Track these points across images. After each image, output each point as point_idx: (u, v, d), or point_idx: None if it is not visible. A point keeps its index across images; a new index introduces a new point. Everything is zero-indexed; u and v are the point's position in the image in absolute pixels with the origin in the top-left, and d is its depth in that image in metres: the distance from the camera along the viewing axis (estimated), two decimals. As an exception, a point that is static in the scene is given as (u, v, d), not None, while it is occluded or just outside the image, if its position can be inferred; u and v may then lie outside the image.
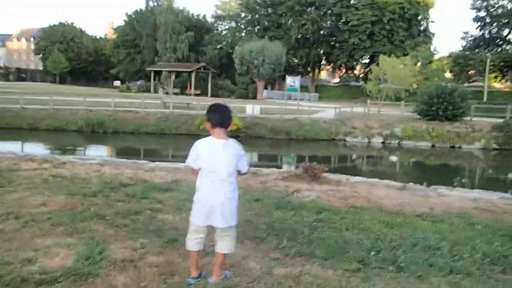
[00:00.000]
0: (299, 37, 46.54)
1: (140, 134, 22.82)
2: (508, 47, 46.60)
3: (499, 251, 4.19)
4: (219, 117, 3.21)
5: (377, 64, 30.94)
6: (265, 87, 44.98)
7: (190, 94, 40.38)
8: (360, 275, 3.56)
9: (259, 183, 7.06)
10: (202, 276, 3.33)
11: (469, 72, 46.44)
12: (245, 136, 22.87)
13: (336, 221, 5.03)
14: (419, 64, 33.58)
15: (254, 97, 42.10)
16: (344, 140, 23.42)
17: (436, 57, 44.90)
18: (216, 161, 3.14)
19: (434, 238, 4.50)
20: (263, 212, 5.33)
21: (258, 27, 50.93)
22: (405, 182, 8.03)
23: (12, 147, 14.71)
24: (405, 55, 36.95)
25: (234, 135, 23.16)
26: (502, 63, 43.84)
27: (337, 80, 72.16)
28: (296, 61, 49.72)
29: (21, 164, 7.68)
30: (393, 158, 21.53)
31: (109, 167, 7.89)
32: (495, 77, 46.73)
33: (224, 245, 3.26)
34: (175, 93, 41.10)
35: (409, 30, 43.95)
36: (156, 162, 8.73)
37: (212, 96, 40.97)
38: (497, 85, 52.27)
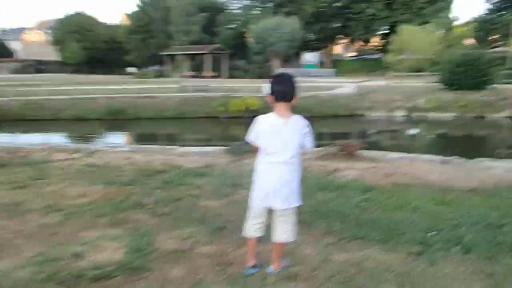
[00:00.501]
0: (314, 11, 45.44)
1: (161, 119, 22.78)
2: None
3: None
4: (282, 90, 2.93)
5: (397, 34, 30.01)
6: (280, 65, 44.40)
7: (207, 77, 40.09)
8: (424, 258, 3.36)
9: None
10: (258, 266, 3.17)
11: (493, 37, 44.92)
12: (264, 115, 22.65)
13: (383, 201, 4.81)
14: (440, 31, 32.39)
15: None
16: (364, 114, 22.96)
17: (457, 23, 43.45)
18: (277, 143, 2.93)
19: (493, 215, 4.25)
20: (305, 194, 5.10)
21: (271, 3, 49.92)
22: (439, 155, 7.77)
23: (39, 138, 14.80)
24: (425, 23, 35.80)
25: (253, 115, 23.03)
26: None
27: (352, 54, 70.82)
28: (311, 36, 48.68)
29: (52, 155, 7.62)
30: (419, 131, 21.03)
31: (140, 154, 7.78)
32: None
33: (282, 233, 3.08)
34: (191, 76, 40.89)
35: (429, -3, 42.48)
36: (186, 147, 8.59)
37: (228, 77, 40.63)
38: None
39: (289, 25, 38.80)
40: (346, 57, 61.18)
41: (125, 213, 4.45)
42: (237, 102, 22.25)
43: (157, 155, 7.67)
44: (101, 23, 64.84)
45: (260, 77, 40.11)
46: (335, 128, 21.05)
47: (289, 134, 2.91)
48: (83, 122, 22.03)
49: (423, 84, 26.74)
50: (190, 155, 7.60)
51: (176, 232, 3.90)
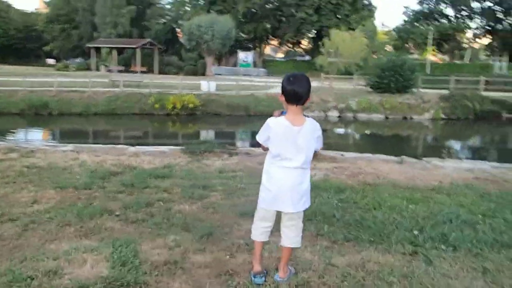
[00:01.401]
0: (246, 11, 45.66)
1: (89, 115, 21.55)
2: (444, 21, 48.56)
3: (533, 223, 4.19)
4: (298, 92, 2.72)
5: (329, 38, 31.05)
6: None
7: (136, 72, 38.66)
8: (420, 258, 3.40)
9: (258, 165, 6.70)
10: (264, 273, 3.00)
11: (409, 46, 48.18)
12: (202, 113, 22.37)
13: (359, 201, 4.85)
14: (366, 38, 34.01)
15: (203, 74, 41.10)
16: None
17: (380, 31, 45.95)
18: (291, 149, 2.79)
19: (463, 213, 4.44)
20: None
21: (203, 0, 49.41)
22: (385, 155, 8.09)
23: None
24: (350, 29, 37.43)
25: (191, 113, 22.66)
26: (439, 36, 45.72)
27: (281, 55, 72.21)
28: (243, 35, 48.88)
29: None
30: (344, 131, 21.95)
31: (87, 154, 7.21)
32: (433, 50, 48.70)
33: (291, 238, 2.94)
34: (119, 71, 39.17)
35: (354, 5, 44.48)
36: (137, 146, 8.12)
37: (159, 73, 39.52)
38: (432, 58, 54.63)
39: (222, 23, 38.59)
40: (277, 57, 62.28)
41: (93, 221, 4.05)
42: (174, 99, 21.69)
43: (106, 155, 7.16)
44: (14, 8, 59.98)
45: (194, 74, 39.58)
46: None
47: (304, 141, 2.78)
48: (1, 117, 20.22)
49: (353, 86, 27.93)
50: (144, 155, 7.18)
51: (159, 241, 3.61)
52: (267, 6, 47.40)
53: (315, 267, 3.17)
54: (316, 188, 5.26)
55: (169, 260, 3.23)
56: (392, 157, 7.45)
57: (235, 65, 47.61)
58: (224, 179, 5.78)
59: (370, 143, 18.75)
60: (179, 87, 24.24)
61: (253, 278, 2.95)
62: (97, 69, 41.76)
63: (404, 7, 68.37)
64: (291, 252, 3.03)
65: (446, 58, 54.37)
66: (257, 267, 2.99)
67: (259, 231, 3.01)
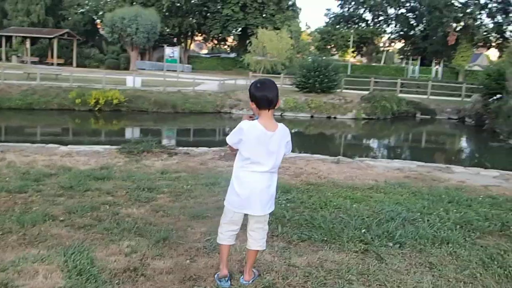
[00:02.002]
0: (171, 5, 44.67)
1: (2, 109, 19.90)
2: (363, 25, 51.31)
3: (463, 218, 4.60)
4: (269, 97, 2.76)
5: (256, 37, 31.42)
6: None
7: (52, 64, 36.31)
8: (371, 255, 3.59)
9: (199, 165, 6.68)
10: (229, 277, 3.01)
11: (331, 47, 50.22)
12: (127, 110, 21.61)
13: (305, 200, 5.00)
14: (291, 38, 34.90)
15: (126, 68, 39.66)
16: (230, 112, 23.57)
17: (304, 32, 47.37)
18: (262, 153, 2.81)
19: (401, 210, 4.76)
20: (229, 197, 5.04)
21: (125, -9, 47.57)
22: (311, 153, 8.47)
23: None
24: (276, 28, 38.20)
25: (115, 109, 21.79)
26: (358, 39, 48.21)
27: (205, 51, 71.69)
28: (168, 30, 47.80)
29: None
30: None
31: (14, 153, 6.68)
32: (353, 51, 51.22)
33: (258, 240, 2.97)
34: (33, 62, 36.59)
35: (279, 4, 45.34)
36: (70, 146, 7.66)
37: (78, 66, 37.43)
38: (351, 59, 57.50)
39: (147, 16, 37.46)
40: (202, 54, 61.72)
41: (36, 227, 3.79)
42: (97, 94, 20.71)
43: (36, 155, 6.69)
44: None
45: (117, 68, 38.00)
46: (201, 125, 21.15)
47: (275, 146, 2.82)
48: None
49: (279, 85, 28.52)
50: (78, 155, 6.81)
51: (113, 247, 3.46)
52: (192, 1, 46.79)
53: (277, 268, 3.24)
54: (263, 188, 5.35)
55: (128, 267, 3.11)
56: (329, 157, 7.77)
57: (159, 60, 46.53)
58: (168, 180, 5.67)
59: (299, 141, 19.29)
60: (103, 81, 23.20)
61: (218, 282, 2.95)
62: (8, 60, 38.59)
63: (326, 9, 71.10)
64: (257, 255, 3.06)
65: (364, 60, 57.49)
66: (224, 271, 2.99)
67: (227, 234, 3.00)
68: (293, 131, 21.98)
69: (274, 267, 3.24)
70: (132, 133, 18.90)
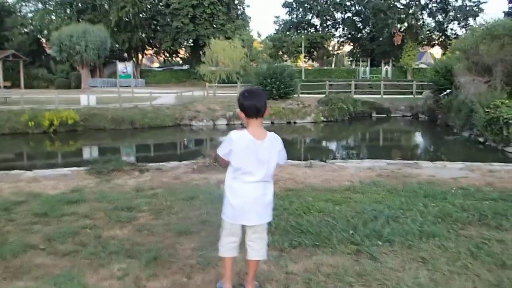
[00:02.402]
0: (118, 20, 43.91)
1: None
2: (312, 30, 52.45)
3: (442, 211, 4.76)
4: (257, 106, 2.78)
5: (209, 47, 31.40)
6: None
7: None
8: (364, 255, 3.64)
9: (174, 179, 6.55)
10: (232, 289, 2.96)
11: (282, 54, 50.99)
12: (84, 129, 20.96)
13: (287, 207, 5.01)
14: (244, 47, 35.14)
15: (78, 86, 38.51)
16: (190, 124, 23.36)
17: (256, 40, 47.81)
18: (253, 163, 2.80)
19: (382, 208, 4.86)
20: (212, 210, 4.96)
21: (70, 9, 46.35)
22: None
23: None
24: (227, 38, 38.38)
25: (71, 129, 21.05)
26: (309, 44, 49.22)
27: (157, 65, 70.81)
28: (117, 46, 46.91)
29: None
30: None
31: (-26, 183, 6.30)
32: (304, 57, 52.20)
33: (257, 250, 2.95)
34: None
35: (229, 14, 45.65)
36: (34, 170, 7.32)
37: (26, 87, 35.90)
38: (302, 64, 58.56)
39: (96, 33, 36.59)
40: (154, 67, 60.92)
41: (18, 259, 3.59)
42: (51, 115, 19.97)
43: (1, 183, 6.33)
44: None
45: (67, 88, 36.86)
46: (162, 139, 20.81)
47: (265, 154, 2.81)
48: None
49: (237, 94, 28.58)
50: (45, 180, 6.51)
51: (104, 272, 3.32)
52: (141, 15, 46.22)
53: (276, 277, 3.22)
54: (244, 198, 5.32)
55: (125, 292, 3.00)
56: (302, 162, 7.84)
57: (110, 76, 45.57)
58: (146, 198, 5.52)
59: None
60: (55, 102, 22.38)
61: None
62: None
63: (275, 17, 72.14)
64: (258, 265, 3.03)
65: (315, 64, 58.68)
66: (228, 285, 2.94)
67: (227, 247, 2.98)
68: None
69: (273, 277, 3.22)
70: (90, 153, 18.25)
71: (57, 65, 41.02)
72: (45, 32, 45.36)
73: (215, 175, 6.76)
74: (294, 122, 24.46)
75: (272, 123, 24.26)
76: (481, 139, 16.68)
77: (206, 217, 4.68)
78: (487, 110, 16.01)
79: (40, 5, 47.13)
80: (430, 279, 3.18)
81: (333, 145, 19.90)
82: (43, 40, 48.01)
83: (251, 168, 2.82)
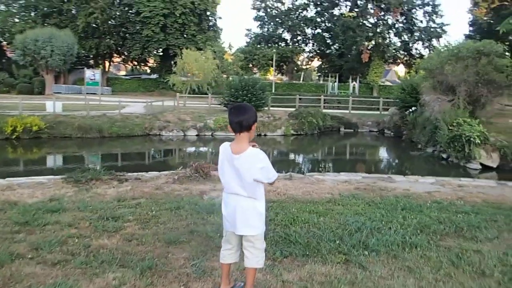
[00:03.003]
0: (86, 26, 43.12)
1: None
2: (283, 44, 53.22)
3: (420, 223, 4.98)
4: (236, 120, 2.88)
5: (181, 57, 31.28)
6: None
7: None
8: (353, 264, 3.76)
9: (155, 189, 6.51)
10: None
11: (253, 66, 51.49)
12: (49, 137, 20.39)
13: (273, 218, 5.10)
14: (215, 58, 35.23)
15: (41, 92, 37.43)
16: (160, 134, 23.14)
17: (228, 52, 48.02)
18: (230, 175, 2.92)
19: (365, 220, 5.03)
20: (198, 220, 5.00)
21: (35, 12, 45.15)
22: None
23: None
24: (198, 49, 38.39)
25: (36, 136, 20.42)
26: (279, 58, 49.89)
27: (123, 72, 69.75)
28: (84, 52, 45.98)
29: None
30: (209, 148, 22.39)
31: None
32: (274, 70, 52.86)
33: (249, 259, 3.02)
34: None
35: (200, 25, 45.67)
36: (7, 178, 7.09)
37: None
38: (272, 78, 59.25)
39: (63, 38, 35.76)
40: (120, 75, 60.00)
41: (6, 268, 3.50)
42: (14, 122, 19.36)
43: (-29, 190, 6.11)
44: None
45: (30, 93, 35.74)
46: (130, 148, 20.49)
47: (241, 169, 2.86)
48: None
49: (208, 105, 28.62)
50: (20, 188, 6.33)
51: (99, 281, 3.30)
52: (110, 22, 45.60)
53: (273, 285, 3.30)
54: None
55: (124, 301, 2.99)
56: (281, 174, 7.96)
57: (75, 83, 44.56)
58: (129, 208, 5.47)
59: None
60: (19, 107, 21.69)
61: None
62: None
63: (247, 30, 72.66)
64: (255, 273, 3.09)
65: (284, 78, 59.49)
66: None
67: (223, 253, 3.11)
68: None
69: (271, 285, 3.29)
70: (57, 160, 17.78)
71: (19, 69, 39.77)
72: (7, 35, 43.94)
73: (196, 185, 6.79)
74: (265, 135, 24.67)
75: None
76: (444, 155, 17.37)
77: (194, 227, 4.71)
78: (450, 127, 16.72)
79: (2, 7, 45.64)
80: (418, 286, 3.34)
81: (306, 158, 20.17)
82: (5, 43, 46.50)
83: (228, 180, 2.95)
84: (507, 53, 22.74)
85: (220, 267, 3.18)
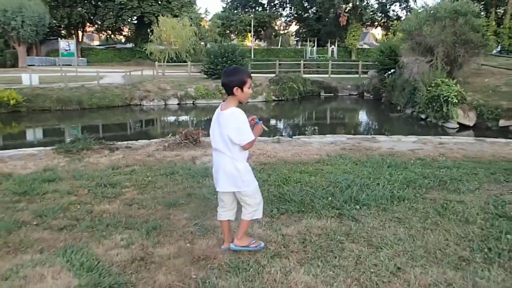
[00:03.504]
0: (57, -6, 41.56)
1: None
2: (260, 9, 52.45)
3: (406, 178, 5.24)
4: (222, 83, 3.08)
5: (157, 25, 30.61)
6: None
7: None
8: (347, 218, 3.99)
9: (147, 157, 6.61)
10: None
11: (230, 32, 50.71)
12: (28, 110, 20.05)
13: (266, 179, 5.28)
14: (193, 25, 34.56)
15: (14, 65, 36.34)
16: (141, 104, 22.95)
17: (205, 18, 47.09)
18: (213, 132, 3.13)
19: (354, 178, 5.26)
20: (194, 184, 5.15)
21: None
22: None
23: None
24: (174, 16, 37.52)
25: (14, 110, 20.01)
26: (257, 23, 49.26)
27: (97, 43, 67.77)
28: (55, 22, 44.42)
29: None
30: (192, 117, 22.38)
31: None
32: (253, 36, 52.22)
33: (242, 211, 3.26)
34: None
35: (175, -9, 44.44)
36: (-4, 151, 7.08)
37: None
38: (250, 44, 58.56)
39: (33, 8, 34.47)
40: (95, 45, 58.38)
41: (14, 234, 3.61)
42: (-10, 95, 18.88)
43: (-38, 164, 6.10)
44: None
45: (2, 66, 34.68)
46: (112, 119, 20.34)
47: (222, 125, 3.04)
48: None
49: (188, 74, 28.34)
50: (11, 160, 6.35)
51: (108, 242, 3.44)
52: (82, -10, 43.98)
53: (274, 239, 3.49)
54: (223, 172, 5.54)
55: (134, 258, 3.16)
56: (268, 138, 8.13)
57: (48, 54, 43.26)
58: (124, 175, 5.58)
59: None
60: (-9, 80, 21.17)
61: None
62: None
63: (222, -6, 70.99)
64: (245, 224, 3.27)
65: (262, 44, 58.87)
66: (225, 243, 3.33)
67: (218, 211, 3.35)
68: (207, 117, 22.13)
69: (272, 239, 3.49)
70: (38, 134, 17.58)
71: (-10, 41, 38.41)
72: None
73: (187, 151, 6.91)
74: (247, 102, 24.67)
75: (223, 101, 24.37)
76: (423, 116, 17.80)
77: (191, 191, 4.86)
78: (428, 88, 17.07)
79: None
80: (408, 235, 3.59)
81: (290, 123, 20.39)
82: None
83: (213, 136, 3.14)
84: (482, 13, 23.03)
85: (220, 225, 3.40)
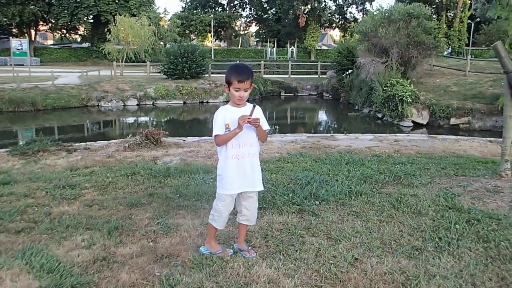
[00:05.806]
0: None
1: None
2: (220, 9, 52.36)
3: (363, 174, 5.44)
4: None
5: (115, 24, 29.95)
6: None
7: None
8: (307, 213, 4.11)
9: (107, 158, 6.51)
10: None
11: (190, 32, 50.32)
12: (-26, 113, 19.17)
13: (228, 177, 5.33)
14: (152, 25, 34.03)
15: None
16: (98, 105, 22.44)
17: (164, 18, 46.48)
18: None
19: (313, 175, 5.41)
20: (156, 184, 5.14)
21: None
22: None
23: None
24: (132, 15, 36.87)
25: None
26: (216, 24, 49.16)
27: (50, 42, 65.57)
28: (5, 20, 42.57)
29: None
30: (152, 118, 22.10)
31: None
32: (213, 36, 52.06)
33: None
34: None
35: (132, -10, 43.63)
36: None
37: None
38: (209, 44, 58.37)
39: (-18, 5, 32.87)
40: (49, 45, 56.38)
41: (-32, 238, 3.49)
42: None
43: None
44: None
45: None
46: (68, 121, 19.76)
47: None
48: None
49: (147, 74, 27.92)
50: (-38, 163, 6.09)
51: (68, 243, 3.39)
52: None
53: (236, 235, 3.54)
54: (184, 171, 5.56)
55: (96, 258, 3.13)
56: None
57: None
58: (83, 176, 5.48)
59: (187, 127, 19.24)
60: None
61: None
62: None
63: (181, -6, 70.26)
64: (209, 226, 3.28)
65: (222, 44, 58.83)
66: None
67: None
68: (167, 118, 21.93)
69: (235, 235, 3.55)
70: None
71: None
72: None
73: (148, 152, 6.86)
74: (207, 102, 24.65)
75: (184, 103, 24.25)
76: (379, 115, 18.40)
77: (153, 190, 4.85)
78: (384, 88, 17.66)
79: None
80: (365, 227, 3.74)
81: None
82: None
83: None
84: (433, 16, 24.01)
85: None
